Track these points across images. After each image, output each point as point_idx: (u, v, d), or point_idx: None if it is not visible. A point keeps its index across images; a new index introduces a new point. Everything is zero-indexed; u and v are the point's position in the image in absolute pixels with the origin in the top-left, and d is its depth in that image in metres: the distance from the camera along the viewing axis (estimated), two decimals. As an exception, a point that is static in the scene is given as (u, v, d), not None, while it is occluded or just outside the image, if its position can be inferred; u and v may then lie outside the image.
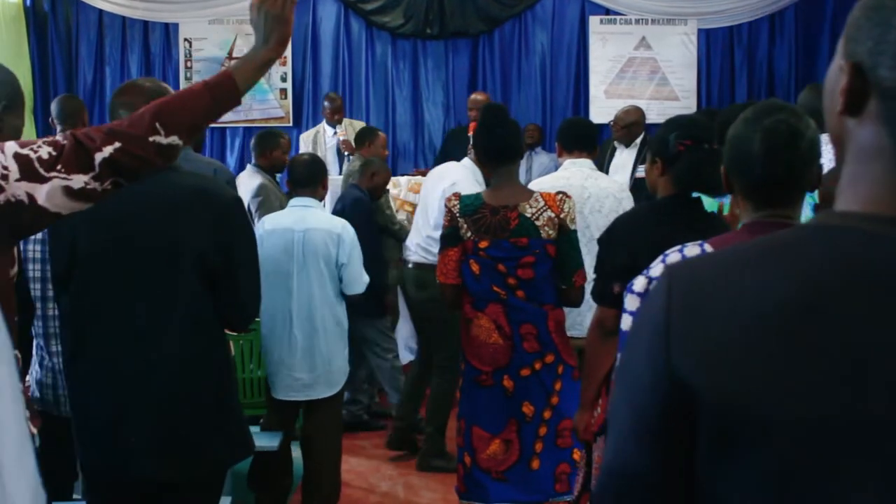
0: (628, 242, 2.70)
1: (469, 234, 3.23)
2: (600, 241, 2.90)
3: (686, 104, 7.95)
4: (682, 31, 8.04)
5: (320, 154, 6.47)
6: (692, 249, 1.88)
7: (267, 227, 3.81)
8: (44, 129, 7.23)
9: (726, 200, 2.76)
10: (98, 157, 1.78)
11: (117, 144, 1.80)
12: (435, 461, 4.67)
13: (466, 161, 4.53)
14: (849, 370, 0.76)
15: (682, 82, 8.04)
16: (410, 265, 4.63)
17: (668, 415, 0.83)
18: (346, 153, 6.53)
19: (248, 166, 5.39)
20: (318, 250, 3.69)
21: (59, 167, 1.76)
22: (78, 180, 1.77)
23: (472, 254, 3.23)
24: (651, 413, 0.84)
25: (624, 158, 5.99)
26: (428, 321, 4.60)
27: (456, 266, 3.26)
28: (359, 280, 3.78)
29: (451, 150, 6.41)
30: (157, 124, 1.83)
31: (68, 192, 1.77)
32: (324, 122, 6.82)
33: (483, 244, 3.20)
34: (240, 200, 2.59)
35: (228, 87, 1.93)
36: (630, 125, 6.02)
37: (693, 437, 0.81)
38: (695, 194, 2.78)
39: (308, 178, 3.85)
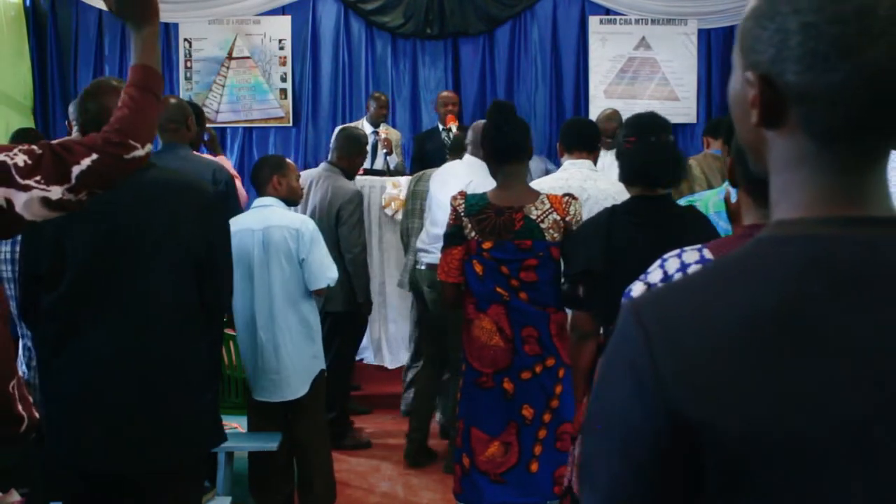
0: (585, 247, 2.78)
1: (473, 233, 3.21)
2: (565, 245, 2.95)
3: (686, 104, 7.95)
4: (682, 31, 8.04)
5: None
6: (690, 254, 1.87)
7: (232, 229, 3.82)
8: (43, 129, 7.23)
9: (733, 190, 2.76)
10: (76, 170, 1.84)
11: (94, 156, 1.86)
12: (424, 453, 4.71)
13: (471, 159, 4.52)
14: (843, 374, 0.76)
15: (682, 82, 8.04)
16: (424, 266, 4.53)
17: (664, 455, 0.80)
18: (383, 151, 6.58)
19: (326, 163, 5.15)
20: (279, 247, 3.68)
21: (37, 177, 1.80)
22: (56, 192, 1.82)
23: (475, 254, 3.22)
24: (645, 455, 0.80)
25: (608, 160, 6.05)
26: (448, 320, 4.56)
27: (458, 265, 3.25)
28: (323, 274, 3.73)
29: (426, 153, 6.43)
30: (131, 140, 1.91)
31: (46, 202, 1.81)
32: (364, 119, 6.87)
33: (487, 245, 3.19)
34: (221, 194, 2.69)
35: (156, 79, 1.99)
36: (614, 130, 6.13)
37: (695, 478, 0.79)
38: (698, 195, 2.79)
39: (259, 180, 3.86)
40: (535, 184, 4.03)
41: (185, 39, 7.86)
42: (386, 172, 6.28)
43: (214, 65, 7.85)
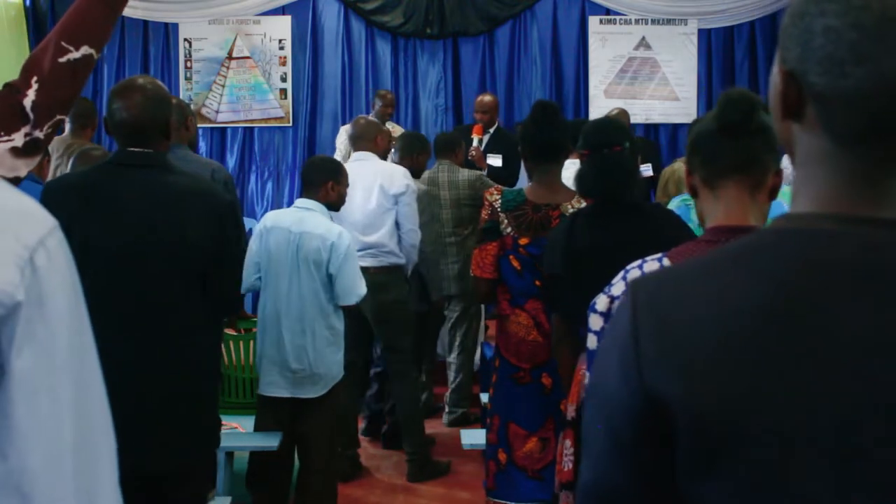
0: (550, 251, 2.84)
1: (509, 229, 3.23)
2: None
3: (686, 104, 7.95)
4: (682, 31, 8.04)
5: None
6: (651, 265, 1.86)
7: (268, 223, 3.82)
8: (43, 129, 7.23)
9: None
10: (27, 103, 1.79)
11: (35, 84, 1.81)
12: (429, 471, 4.61)
13: (394, 165, 4.58)
14: (825, 371, 0.76)
15: (682, 82, 8.03)
16: (370, 270, 4.38)
17: (644, 432, 0.82)
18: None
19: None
20: (308, 255, 3.68)
21: None
22: (19, 138, 1.77)
23: (511, 250, 3.24)
24: (628, 431, 0.83)
25: None
26: (387, 323, 4.53)
27: (493, 261, 3.27)
28: (351, 292, 3.73)
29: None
30: (64, 43, 1.86)
31: (15, 152, 1.76)
32: (370, 116, 6.80)
33: (523, 241, 3.22)
34: (233, 203, 2.73)
35: None
36: None
37: (672, 453, 0.81)
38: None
39: (310, 180, 3.87)
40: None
41: (185, 39, 7.86)
42: None
43: (214, 65, 7.85)
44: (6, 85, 1.81)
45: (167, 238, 2.46)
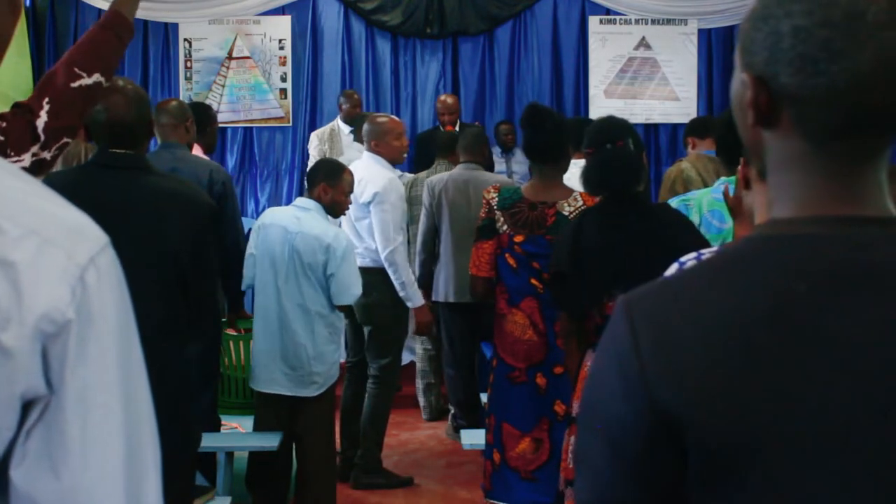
0: (557, 249, 2.90)
1: (505, 227, 3.25)
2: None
3: (686, 104, 7.94)
4: (682, 31, 8.03)
5: (337, 152, 6.42)
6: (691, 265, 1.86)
7: (266, 220, 3.83)
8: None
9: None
10: (39, 123, 1.84)
11: (47, 106, 1.86)
12: (374, 478, 4.52)
13: (378, 160, 4.42)
14: (826, 374, 0.77)
15: (682, 82, 8.03)
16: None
17: (652, 447, 0.81)
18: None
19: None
20: (304, 256, 3.68)
21: (9, 152, 1.79)
22: (28, 158, 1.81)
23: (507, 248, 3.25)
24: (634, 447, 0.82)
25: None
26: (369, 326, 4.46)
27: (489, 259, 3.28)
28: (346, 292, 3.73)
29: (424, 154, 6.36)
30: (76, 69, 1.93)
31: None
32: (338, 119, 6.76)
33: (518, 238, 3.24)
34: (215, 208, 2.69)
35: (121, 21, 2.06)
36: None
37: (682, 468, 0.80)
38: (691, 194, 2.82)
39: (308, 179, 3.91)
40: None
41: (185, 39, 7.85)
42: None
43: (214, 65, 7.84)
44: (18, 105, 1.86)
45: (142, 242, 2.41)
